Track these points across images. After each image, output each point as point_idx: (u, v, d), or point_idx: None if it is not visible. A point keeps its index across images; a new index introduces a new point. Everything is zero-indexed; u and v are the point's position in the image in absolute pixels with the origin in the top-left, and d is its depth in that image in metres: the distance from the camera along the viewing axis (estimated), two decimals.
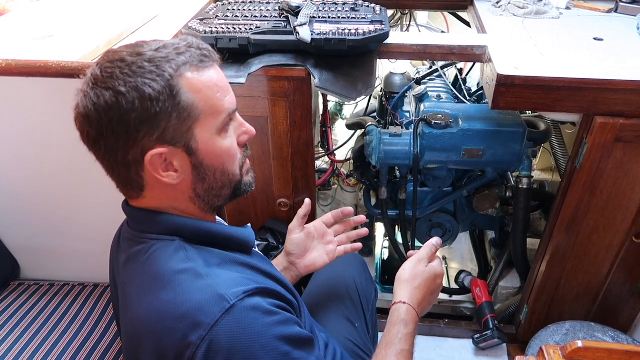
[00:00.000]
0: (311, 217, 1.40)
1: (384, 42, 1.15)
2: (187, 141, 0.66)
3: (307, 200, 1.05)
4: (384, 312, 1.65)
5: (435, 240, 0.98)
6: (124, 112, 0.62)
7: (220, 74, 0.70)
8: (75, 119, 0.66)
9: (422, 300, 0.90)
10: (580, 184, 1.13)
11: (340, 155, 1.77)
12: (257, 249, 0.88)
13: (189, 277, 0.65)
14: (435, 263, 0.94)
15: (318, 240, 1.08)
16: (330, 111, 1.76)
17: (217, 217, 0.85)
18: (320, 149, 1.69)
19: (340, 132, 1.98)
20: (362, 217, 1.10)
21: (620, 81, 0.99)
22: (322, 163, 1.82)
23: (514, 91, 1.03)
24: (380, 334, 1.28)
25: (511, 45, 1.15)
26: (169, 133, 0.64)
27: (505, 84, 1.02)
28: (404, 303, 0.87)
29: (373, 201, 1.63)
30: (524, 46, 1.14)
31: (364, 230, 1.11)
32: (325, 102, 1.64)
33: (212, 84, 0.67)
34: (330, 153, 1.66)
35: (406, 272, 0.92)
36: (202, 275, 0.65)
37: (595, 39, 1.19)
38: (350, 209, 1.08)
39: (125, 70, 0.62)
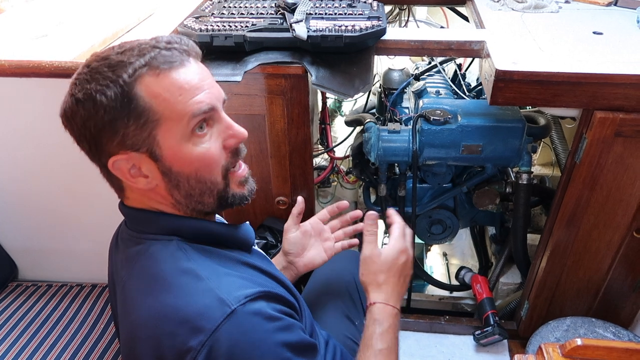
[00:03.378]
0: (310, 214, 1.40)
1: (381, 38, 1.14)
2: (150, 147, 0.64)
3: (300, 198, 1.03)
4: None
5: (369, 221, 0.92)
6: (85, 119, 0.62)
7: (189, 74, 0.65)
8: None
9: (394, 289, 0.87)
10: (580, 179, 1.12)
11: (340, 152, 1.76)
12: (257, 247, 0.88)
13: (189, 279, 0.64)
14: (389, 247, 0.89)
15: (315, 238, 1.07)
16: (329, 108, 1.75)
17: (216, 215, 0.84)
18: (320, 146, 1.69)
19: (340, 129, 1.97)
20: (357, 212, 1.08)
21: (620, 75, 0.98)
22: (321, 160, 1.81)
23: (513, 86, 1.02)
24: None
25: (509, 40, 1.13)
26: (128, 139, 0.63)
27: (504, 79, 1.01)
28: (374, 303, 0.86)
29: (373, 198, 1.62)
30: (522, 41, 1.13)
31: (360, 225, 1.08)
32: (324, 99, 1.63)
33: (173, 86, 0.63)
34: (329, 150, 1.65)
35: (364, 276, 0.90)
36: (203, 277, 0.64)
37: (594, 32, 1.17)
38: (346, 203, 1.06)
39: (87, 76, 0.63)
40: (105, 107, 0.61)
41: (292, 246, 1.04)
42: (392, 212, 0.95)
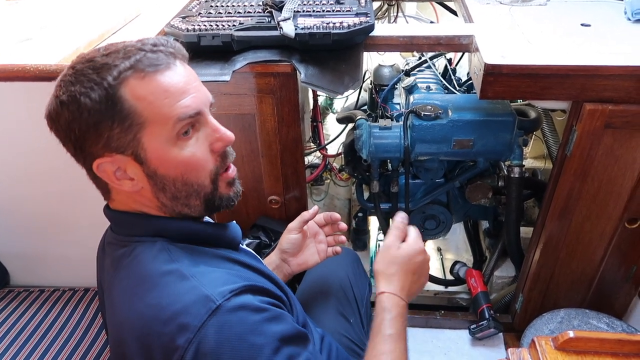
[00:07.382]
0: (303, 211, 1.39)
1: (370, 34, 1.14)
2: (135, 149, 0.64)
3: (316, 207, 1.05)
4: None
5: (399, 218, 0.93)
6: (69, 121, 0.62)
7: (175, 77, 0.65)
8: None
9: (404, 284, 0.87)
10: (571, 172, 1.12)
11: (332, 149, 1.76)
12: (244, 246, 0.87)
13: (173, 279, 0.64)
14: (407, 243, 0.90)
15: (310, 239, 1.09)
16: (320, 105, 1.74)
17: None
18: (312, 144, 1.68)
19: (332, 126, 1.96)
20: (344, 225, 1.09)
21: (609, 67, 0.98)
22: (314, 158, 1.80)
23: (502, 80, 1.02)
24: None
25: (498, 33, 1.13)
26: (113, 142, 0.63)
27: (493, 73, 1.01)
28: (383, 292, 0.86)
29: (366, 195, 1.62)
30: (511, 34, 1.13)
31: (343, 238, 1.11)
32: (315, 96, 1.62)
33: (159, 89, 0.63)
34: (321, 148, 1.65)
35: (379, 264, 0.90)
36: (187, 276, 0.64)
37: (582, 24, 1.17)
38: (339, 216, 1.08)
39: (71, 78, 0.62)
40: (89, 109, 0.61)
41: (290, 245, 1.05)
42: (403, 217, 0.95)
